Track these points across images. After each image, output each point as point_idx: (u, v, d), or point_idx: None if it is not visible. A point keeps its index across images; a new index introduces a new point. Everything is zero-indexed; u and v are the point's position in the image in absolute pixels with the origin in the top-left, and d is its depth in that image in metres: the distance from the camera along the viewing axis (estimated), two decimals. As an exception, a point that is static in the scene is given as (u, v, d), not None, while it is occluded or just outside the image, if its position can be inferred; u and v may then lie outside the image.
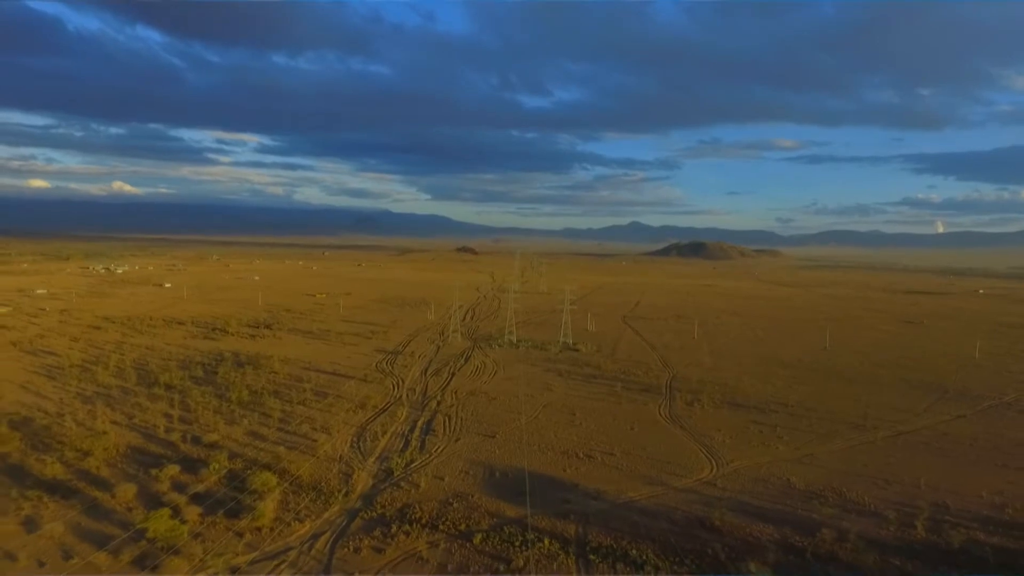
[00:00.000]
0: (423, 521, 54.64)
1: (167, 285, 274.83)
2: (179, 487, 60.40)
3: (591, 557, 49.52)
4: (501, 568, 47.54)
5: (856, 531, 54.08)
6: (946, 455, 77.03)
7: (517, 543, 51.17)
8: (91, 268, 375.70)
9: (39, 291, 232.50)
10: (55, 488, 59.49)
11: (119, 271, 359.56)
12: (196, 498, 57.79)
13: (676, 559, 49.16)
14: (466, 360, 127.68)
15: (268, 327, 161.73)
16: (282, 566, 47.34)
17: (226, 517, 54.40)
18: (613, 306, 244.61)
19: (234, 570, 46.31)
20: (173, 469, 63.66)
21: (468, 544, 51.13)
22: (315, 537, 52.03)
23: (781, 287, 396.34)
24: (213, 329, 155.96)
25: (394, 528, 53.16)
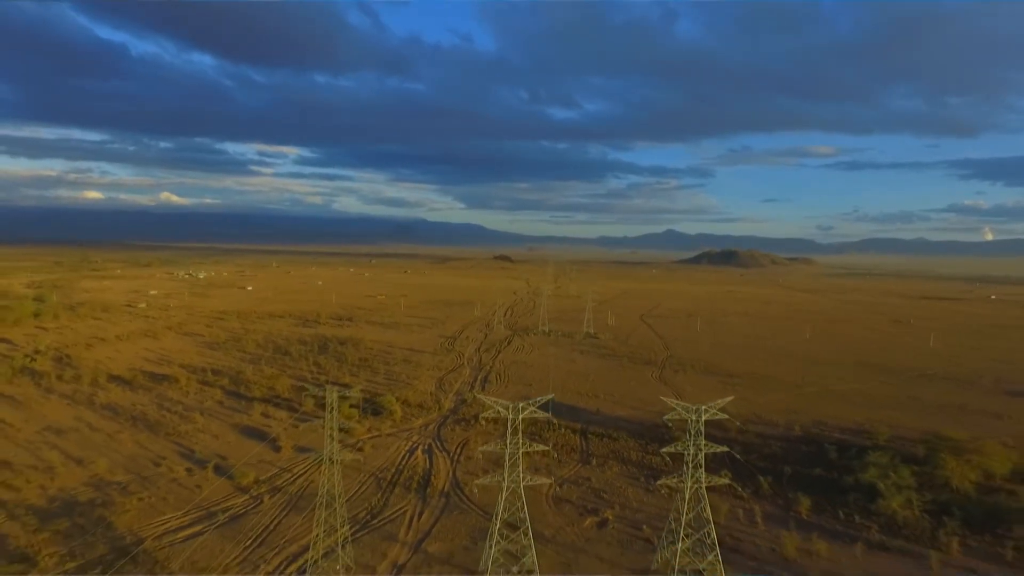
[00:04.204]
0: (488, 421, 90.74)
1: (249, 288, 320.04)
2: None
3: (589, 436, 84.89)
4: (537, 439, 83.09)
5: (755, 430, 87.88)
6: (851, 402, 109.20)
7: (546, 431, 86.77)
8: (175, 274, 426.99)
9: (152, 292, 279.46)
10: (267, 401, 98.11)
11: (200, 276, 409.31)
12: (351, 407, 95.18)
13: (638, 436, 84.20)
14: (508, 343, 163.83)
15: (349, 319, 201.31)
16: (412, 433, 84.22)
17: (372, 416, 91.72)
18: (634, 307, 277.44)
19: (389, 434, 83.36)
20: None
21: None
22: (426, 425, 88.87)
23: (800, 293, 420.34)
24: (307, 320, 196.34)
25: (471, 423, 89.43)
